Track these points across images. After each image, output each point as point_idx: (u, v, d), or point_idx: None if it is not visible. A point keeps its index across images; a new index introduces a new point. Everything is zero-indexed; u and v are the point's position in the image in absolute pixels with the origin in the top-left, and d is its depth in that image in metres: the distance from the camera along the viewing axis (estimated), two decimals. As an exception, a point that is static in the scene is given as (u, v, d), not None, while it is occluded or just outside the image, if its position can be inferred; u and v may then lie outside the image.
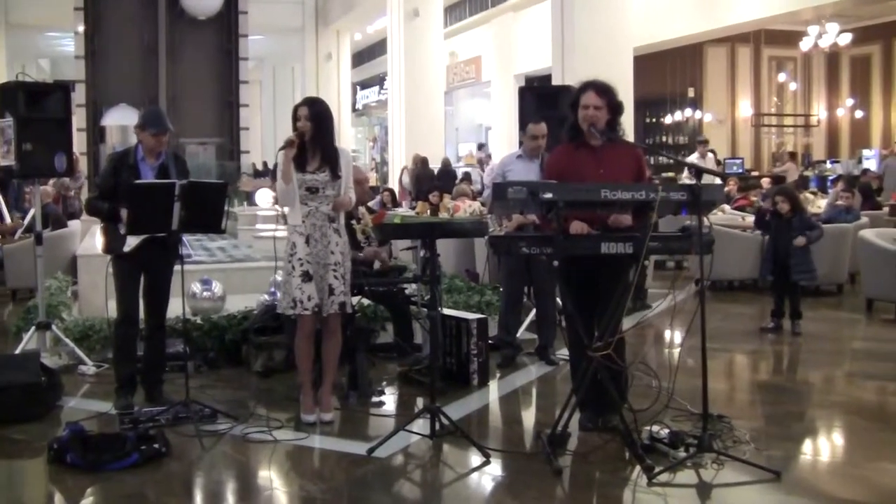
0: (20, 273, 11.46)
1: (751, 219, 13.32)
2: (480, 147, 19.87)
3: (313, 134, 6.17)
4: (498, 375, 7.57)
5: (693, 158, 17.29)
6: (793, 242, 9.18)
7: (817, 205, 14.66)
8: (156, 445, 5.52)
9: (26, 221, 12.98)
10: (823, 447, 6.06)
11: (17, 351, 7.66)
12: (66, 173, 8.40)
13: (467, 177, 21.43)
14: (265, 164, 26.44)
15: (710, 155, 19.41)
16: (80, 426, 5.63)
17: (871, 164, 23.14)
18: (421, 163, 21.74)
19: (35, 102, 7.69)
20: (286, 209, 6.30)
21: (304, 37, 32.77)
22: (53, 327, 7.89)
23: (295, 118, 6.22)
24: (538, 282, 8.03)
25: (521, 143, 8.53)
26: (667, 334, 9.34)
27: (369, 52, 36.50)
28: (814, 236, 9.25)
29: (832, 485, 5.20)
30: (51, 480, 5.35)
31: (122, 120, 15.34)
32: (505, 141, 23.68)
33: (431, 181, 19.81)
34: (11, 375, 6.43)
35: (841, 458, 5.85)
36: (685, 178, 12.03)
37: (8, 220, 13.64)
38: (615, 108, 5.85)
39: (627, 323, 5.92)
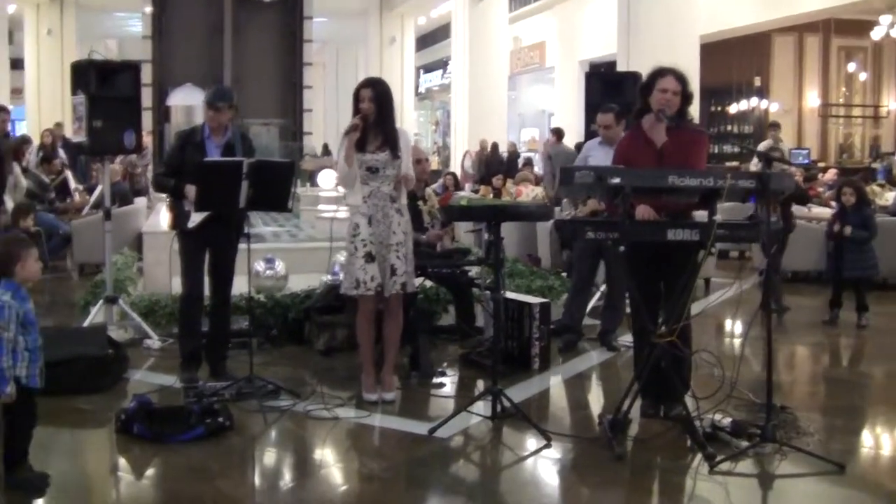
0: (87, 248, 11.62)
1: (817, 210, 13.16)
2: (557, 132, 19.39)
3: (375, 115, 6.19)
4: (559, 360, 7.56)
5: (765, 146, 16.68)
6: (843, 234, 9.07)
7: (885, 197, 14.42)
8: (220, 419, 5.59)
9: (94, 198, 13.17)
10: (887, 442, 5.97)
11: (85, 324, 7.78)
12: (134, 151, 8.50)
13: (529, 162, 21.32)
14: (325, 146, 26.57)
15: (784, 143, 18.78)
16: (146, 398, 5.72)
17: (940, 157, 22.71)
18: (491, 147, 21.71)
19: (105, 81, 7.78)
20: (345, 191, 6.33)
21: (368, 20, 32.83)
22: (120, 301, 8.01)
23: (358, 99, 6.23)
24: (609, 267, 7.99)
25: (587, 130, 8.52)
26: (729, 324, 9.27)
27: (433, 37, 36.46)
28: (861, 236, 9.05)
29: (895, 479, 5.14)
30: (117, 450, 5.45)
31: (187, 100, 15.51)
32: (569, 128, 23.56)
33: (500, 166, 19.76)
34: (79, 348, 6.53)
35: (906, 452, 5.77)
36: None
37: (76, 196, 13.85)
38: (687, 97, 5.82)
39: (693, 310, 5.87)
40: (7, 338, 4.41)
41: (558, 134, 19.71)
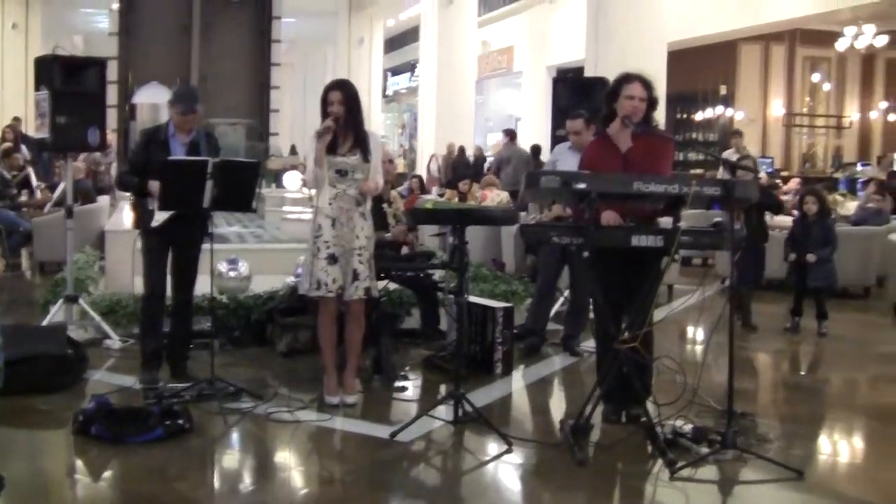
0: (49, 246, 11.51)
1: (779, 219, 13.25)
2: (509, 133, 19.54)
3: (345, 117, 6.17)
4: (522, 365, 7.56)
5: (729, 154, 16.63)
6: (807, 254, 9.14)
7: (846, 207, 14.55)
8: (180, 421, 5.54)
9: (56, 195, 13.06)
10: (846, 449, 6.03)
11: (45, 323, 7.70)
12: (98, 148, 8.43)
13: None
14: (293, 147, 26.49)
15: (750, 150, 18.64)
16: (105, 398, 5.66)
17: (903, 167, 22.93)
18: (458, 151, 21.74)
19: (70, 76, 7.71)
20: (314, 191, 6.31)
21: (338, 21, 32.81)
22: (81, 301, 7.93)
23: (326, 102, 6.20)
24: (575, 273, 8.01)
25: (553, 135, 8.54)
26: (692, 331, 9.31)
27: (401, 39, 36.49)
28: (825, 254, 9.16)
29: (854, 487, 5.18)
30: (75, 451, 5.38)
31: (153, 98, 15.42)
32: (535, 132, 23.61)
33: (467, 169, 19.76)
34: (39, 346, 6.45)
35: (863, 460, 5.81)
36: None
37: (38, 193, 13.72)
38: (652, 103, 5.85)
39: (656, 316, 5.89)
40: None
41: (510, 135, 19.94)
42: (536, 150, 19.70)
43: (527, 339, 7.93)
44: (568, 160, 7.67)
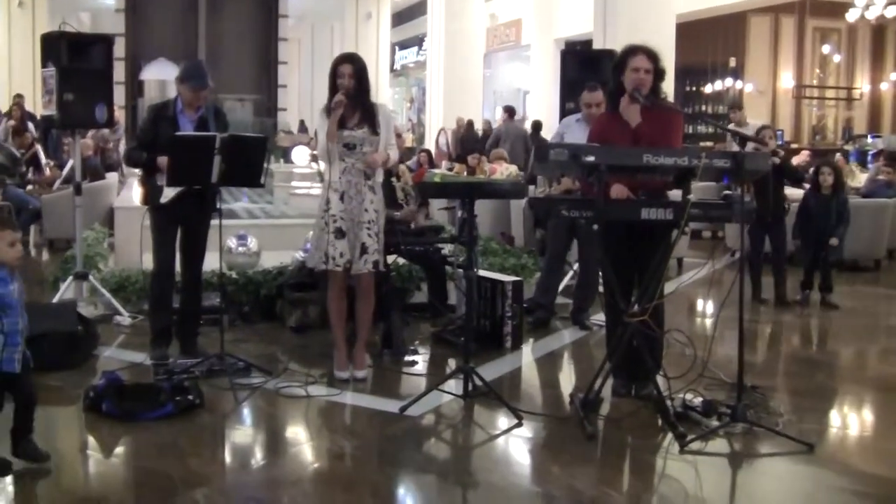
0: (58, 223, 11.54)
1: (788, 191, 13.19)
2: (508, 110, 19.63)
3: (355, 91, 6.14)
4: (531, 339, 7.55)
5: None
6: (829, 239, 9.06)
7: (857, 179, 14.49)
8: (190, 397, 5.55)
9: (65, 172, 13.06)
10: (856, 422, 6.02)
11: (55, 300, 7.72)
12: (106, 124, 8.42)
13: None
14: (301, 122, 26.46)
15: (751, 122, 18.25)
16: (116, 375, 5.68)
17: (913, 139, 22.83)
18: (467, 125, 21.70)
19: (77, 53, 7.70)
20: (323, 166, 6.30)
21: (345, -5, 32.65)
22: (90, 277, 7.95)
23: (336, 75, 6.18)
24: (583, 246, 7.99)
25: (562, 108, 8.49)
26: (701, 304, 9.30)
27: (409, 13, 36.28)
28: (841, 233, 9.14)
29: (864, 459, 5.17)
30: (86, 428, 5.40)
31: (160, 74, 15.37)
32: (543, 106, 23.51)
33: (476, 143, 19.72)
34: (49, 324, 6.45)
35: (873, 433, 5.80)
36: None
37: (47, 171, 13.73)
38: (659, 74, 5.81)
39: (666, 290, 5.88)
40: None
41: (510, 112, 20.01)
42: (537, 126, 19.71)
43: (535, 313, 7.93)
44: (576, 133, 7.62)
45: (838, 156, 16.47)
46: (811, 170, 10.12)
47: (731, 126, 15.98)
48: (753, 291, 9.12)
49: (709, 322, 8.41)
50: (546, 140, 18.91)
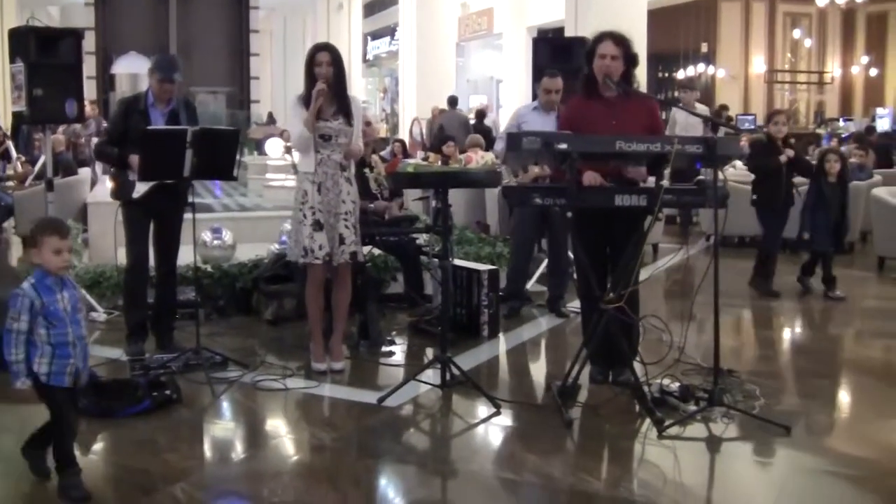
0: (30, 220, 11.36)
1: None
2: (451, 100, 20.24)
3: (333, 80, 6.12)
4: (508, 327, 7.56)
5: (676, 111, 14.94)
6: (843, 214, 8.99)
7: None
8: (167, 392, 5.54)
9: (37, 168, 12.96)
10: (832, 404, 6.05)
11: (29, 297, 7.65)
12: (76, 119, 8.35)
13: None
14: (270, 114, 26.39)
15: (702, 106, 15.63)
16: (92, 372, 5.61)
17: (884, 122, 22.97)
18: (441, 114, 21.73)
19: (46, 48, 7.61)
20: (297, 158, 6.27)
21: (316, -14, 32.58)
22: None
23: (314, 63, 6.14)
24: (553, 233, 8.01)
25: (534, 96, 8.46)
26: (678, 289, 9.33)
27: (381, 3, 36.20)
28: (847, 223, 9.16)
29: (840, 441, 5.22)
30: (62, 425, 5.36)
31: (131, 68, 15.32)
32: (517, 94, 23.53)
33: (487, 135, 19.84)
34: (22, 321, 6.42)
35: (849, 415, 5.85)
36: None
37: (19, 167, 13.62)
38: (631, 60, 5.81)
39: (641, 276, 5.90)
40: (17, 328, 4.19)
41: (452, 102, 20.45)
42: (481, 114, 20.59)
43: (509, 303, 7.92)
44: (535, 122, 7.64)
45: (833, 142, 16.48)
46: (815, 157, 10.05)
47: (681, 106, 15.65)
48: (764, 281, 9.10)
49: (684, 307, 8.43)
50: (487, 127, 19.70)
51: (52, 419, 4.39)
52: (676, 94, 16.12)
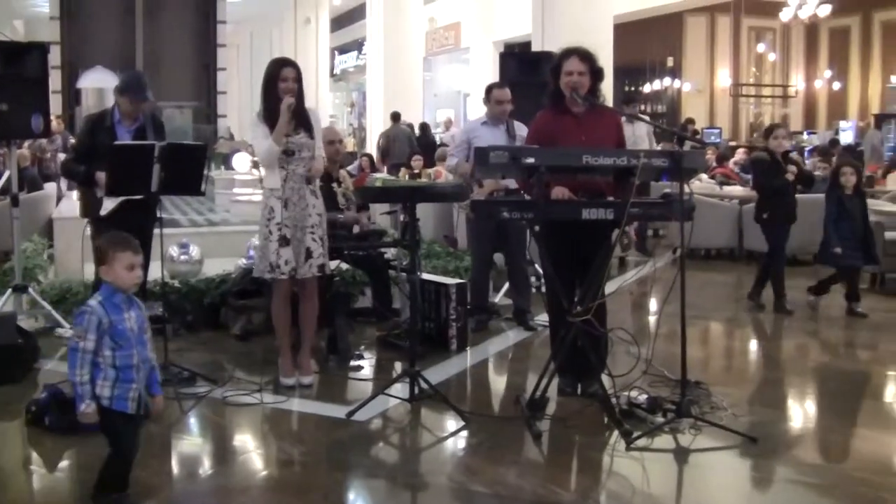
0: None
1: (730, 188, 13.36)
2: (394, 116, 21.16)
3: (298, 95, 6.13)
4: (476, 341, 7.58)
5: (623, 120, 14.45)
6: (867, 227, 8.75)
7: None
8: (135, 408, 5.50)
9: (1, 183, 12.86)
10: (800, 414, 6.11)
11: (-6, 313, 7.60)
12: (43, 134, 8.31)
13: (443, 143, 21.54)
14: (228, 129, 26.34)
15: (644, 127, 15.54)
16: (58, 388, 5.60)
17: (847, 135, 23.23)
18: (420, 129, 21.89)
19: (10, 62, 7.57)
20: (264, 173, 6.28)
21: (283, 0, 32.52)
22: (30, 290, 7.84)
23: (279, 78, 6.13)
24: (510, 246, 8.04)
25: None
26: (645, 301, 9.38)
27: (348, 17, 36.22)
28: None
29: (808, 450, 5.27)
30: (29, 442, 5.33)
31: (98, 82, 15.21)
32: (484, 108, 23.64)
33: (433, 148, 20.10)
34: (-13, 337, 6.38)
35: (817, 424, 5.90)
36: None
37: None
38: (596, 75, 5.87)
39: (608, 289, 5.94)
40: (84, 348, 4.00)
41: (395, 117, 21.03)
42: (424, 126, 21.49)
43: (476, 315, 7.92)
44: (485, 135, 7.67)
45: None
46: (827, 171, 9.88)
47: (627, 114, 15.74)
48: (777, 300, 8.92)
49: (652, 319, 8.48)
50: (432, 140, 20.66)
51: (110, 446, 4.19)
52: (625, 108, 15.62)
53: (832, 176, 9.08)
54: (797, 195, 9.19)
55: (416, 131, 22.18)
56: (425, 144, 20.26)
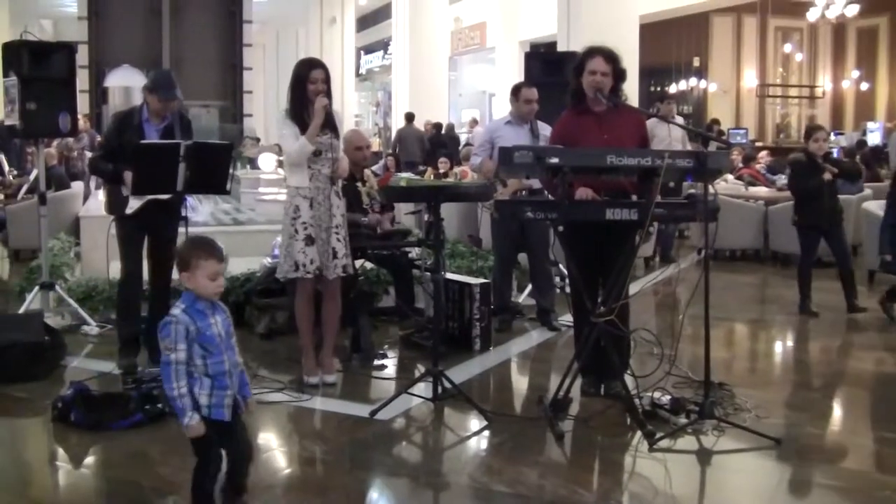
0: (23, 234, 11.45)
1: (755, 189, 13.30)
2: (407, 116, 21.64)
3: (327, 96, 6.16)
4: (499, 340, 7.58)
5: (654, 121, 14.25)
6: None
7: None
8: (159, 405, 5.53)
9: (30, 180, 12.97)
10: (822, 416, 6.06)
11: (21, 311, 7.66)
12: (69, 133, 8.38)
13: (468, 143, 21.58)
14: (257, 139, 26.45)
15: (678, 118, 15.39)
16: (84, 385, 5.65)
17: (875, 136, 23.06)
18: (434, 128, 21.91)
19: (39, 62, 7.64)
20: (288, 172, 6.30)
21: (309, 0, 32.61)
22: (57, 287, 7.90)
23: (308, 80, 6.14)
24: (531, 247, 8.03)
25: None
26: (669, 302, 9.35)
27: (373, 17, 36.30)
28: None
29: (830, 453, 5.24)
30: (54, 439, 5.37)
31: (125, 81, 15.30)
32: (509, 108, 23.62)
33: (444, 147, 20.21)
34: (15, 335, 6.44)
35: (839, 427, 5.87)
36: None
37: (10, 178, 13.62)
38: (619, 75, 5.86)
39: (631, 290, 5.93)
40: (175, 359, 3.84)
41: (409, 117, 21.44)
42: (438, 126, 21.68)
43: (499, 315, 7.92)
44: (509, 135, 7.66)
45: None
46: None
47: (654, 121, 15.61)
48: (802, 302, 8.84)
49: (676, 320, 8.43)
50: (444, 140, 20.92)
51: (199, 455, 4.01)
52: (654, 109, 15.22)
53: (892, 183, 8.73)
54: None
55: (443, 130, 22.34)
56: (437, 144, 20.82)
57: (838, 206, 8.79)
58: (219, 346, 3.93)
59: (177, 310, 3.93)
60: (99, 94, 16.11)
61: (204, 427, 3.87)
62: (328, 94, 6.18)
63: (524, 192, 7.48)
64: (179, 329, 3.85)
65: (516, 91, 7.98)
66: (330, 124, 6.21)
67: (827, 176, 8.43)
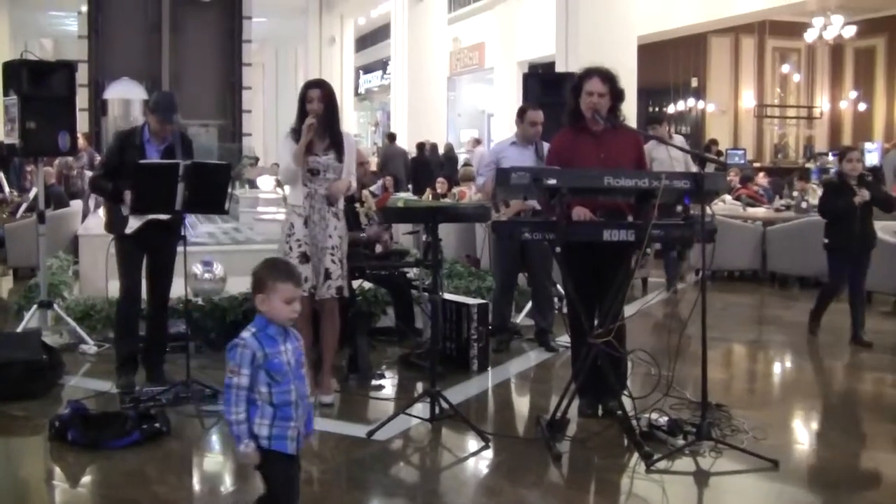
0: (21, 252, 11.46)
1: (753, 210, 13.32)
2: (390, 136, 22.48)
3: (323, 116, 6.17)
4: (497, 361, 7.58)
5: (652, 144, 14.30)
6: None
7: (818, 196, 14.62)
8: (157, 424, 5.54)
9: (29, 199, 12.97)
10: (821, 437, 6.07)
11: (19, 329, 7.66)
12: (69, 152, 8.39)
13: (467, 163, 21.62)
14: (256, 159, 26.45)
15: (678, 137, 16.31)
16: (81, 404, 5.65)
17: (873, 157, 23.06)
18: (430, 149, 21.93)
19: (39, 81, 7.67)
20: (287, 189, 6.32)
21: (308, 20, 32.73)
22: (55, 306, 7.91)
23: (305, 99, 6.20)
24: (532, 267, 8.04)
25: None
26: (667, 323, 9.35)
27: (372, 37, 36.44)
28: None
29: (829, 474, 5.23)
30: (51, 457, 5.37)
31: (124, 93, 15.28)
32: (507, 128, 23.67)
33: (441, 168, 20.25)
34: (13, 353, 6.44)
35: (838, 448, 5.85)
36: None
37: (14, 196, 13.63)
38: (617, 96, 5.88)
39: (628, 310, 5.93)
40: (237, 384, 3.65)
41: (391, 137, 22.14)
42: (421, 146, 21.81)
43: (496, 336, 7.92)
44: (513, 156, 7.69)
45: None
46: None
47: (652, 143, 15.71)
48: (810, 324, 8.72)
49: (673, 341, 8.43)
50: (427, 160, 21.20)
51: (267, 488, 3.84)
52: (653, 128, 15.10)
53: None
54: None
55: (441, 150, 22.36)
56: (420, 163, 21.16)
57: (871, 230, 8.43)
58: (287, 375, 3.71)
59: (247, 333, 3.75)
60: (98, 111, 16.12)
61: (259, 455, 3.68)
62: (331, 112, 6.19)
63: (528, 213, 7.49)
64: (246, 353, 3.67)
65: (522, 113, 8.01)
66: (336, 145, 6.23)
67: (858, 199, 8.11)
